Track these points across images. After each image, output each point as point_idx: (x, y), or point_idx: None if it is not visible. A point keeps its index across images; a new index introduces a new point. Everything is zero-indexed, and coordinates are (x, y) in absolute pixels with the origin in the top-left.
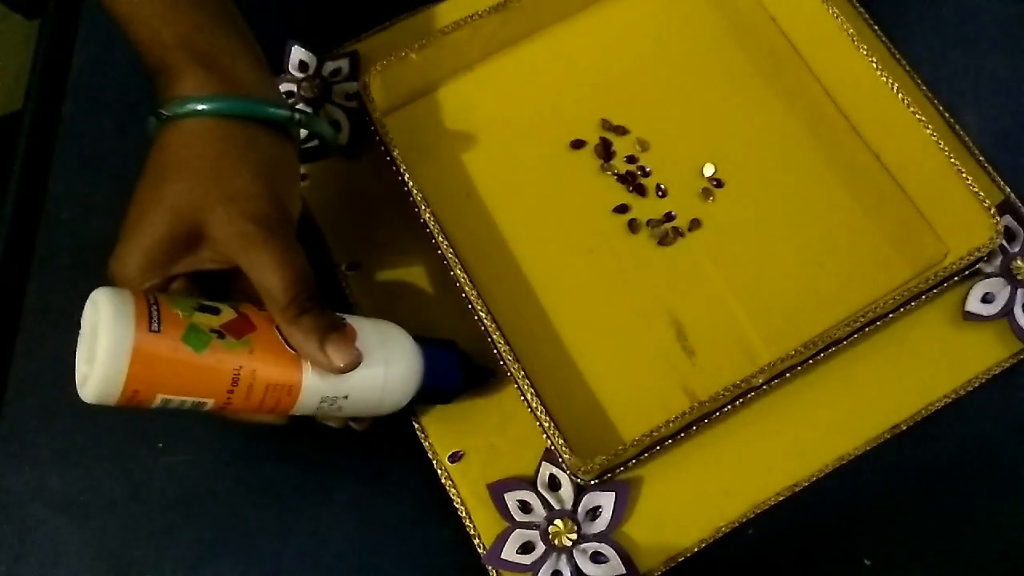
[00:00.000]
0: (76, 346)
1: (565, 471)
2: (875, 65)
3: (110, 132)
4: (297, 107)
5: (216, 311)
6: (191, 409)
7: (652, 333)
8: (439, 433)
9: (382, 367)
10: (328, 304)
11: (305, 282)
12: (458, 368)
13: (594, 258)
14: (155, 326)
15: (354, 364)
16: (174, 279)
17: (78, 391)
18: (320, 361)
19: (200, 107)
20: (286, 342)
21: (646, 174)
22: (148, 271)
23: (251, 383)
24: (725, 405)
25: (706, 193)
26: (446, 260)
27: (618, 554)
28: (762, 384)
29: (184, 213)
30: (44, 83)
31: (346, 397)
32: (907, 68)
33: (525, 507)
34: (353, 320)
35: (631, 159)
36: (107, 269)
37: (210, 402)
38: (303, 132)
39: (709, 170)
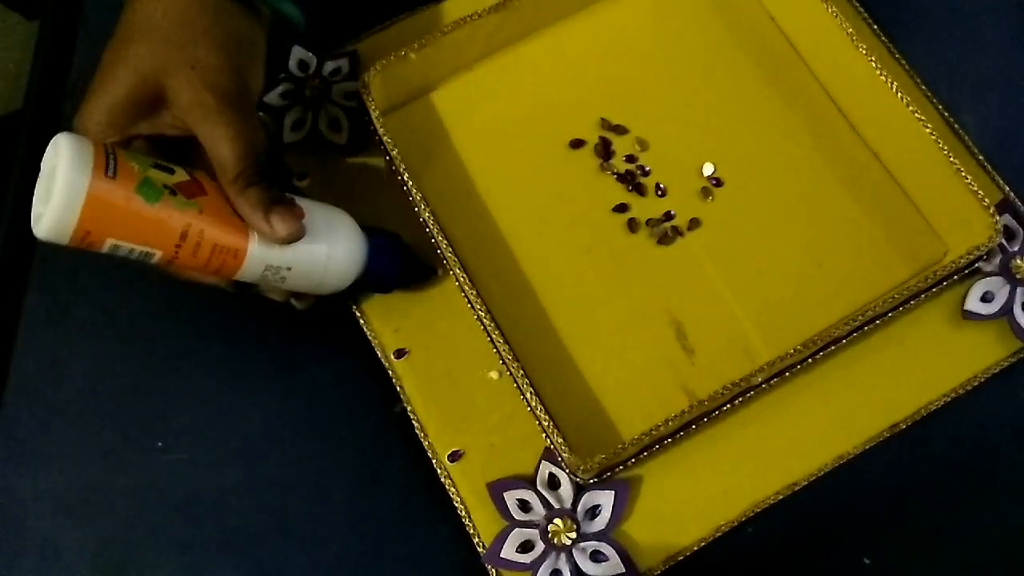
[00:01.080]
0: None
1: (564, 470)
2: (874, 64)
3: None
4: None
5: (171, 171)
6: (139, 259)
7: (651, 332)
8: (439, 432)
9: (325, 245)
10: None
11: (256, 156)
12: (400, 257)
13: (593, 257)
14: (111, 173)
15: (296, 236)
16: (135, 139)
17: (32, 228)
18: (264, 230)
19: None
20: (235, 211)
21: (645, 173)
22: (110, 127)
23: (199, 241)
24: (724, 404)
25: (705, 192)
26: (446, 259)
27: (617, 553)
28: (761, 383)
29: (147, 74)
30: (44, 83)
31: (289, 268)
32: (906, 67)
33: (524, 506)
34: (303, 202)
35: (630, 158)
36: (73, 123)
37: (158, 253)
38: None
39: (708, 169)
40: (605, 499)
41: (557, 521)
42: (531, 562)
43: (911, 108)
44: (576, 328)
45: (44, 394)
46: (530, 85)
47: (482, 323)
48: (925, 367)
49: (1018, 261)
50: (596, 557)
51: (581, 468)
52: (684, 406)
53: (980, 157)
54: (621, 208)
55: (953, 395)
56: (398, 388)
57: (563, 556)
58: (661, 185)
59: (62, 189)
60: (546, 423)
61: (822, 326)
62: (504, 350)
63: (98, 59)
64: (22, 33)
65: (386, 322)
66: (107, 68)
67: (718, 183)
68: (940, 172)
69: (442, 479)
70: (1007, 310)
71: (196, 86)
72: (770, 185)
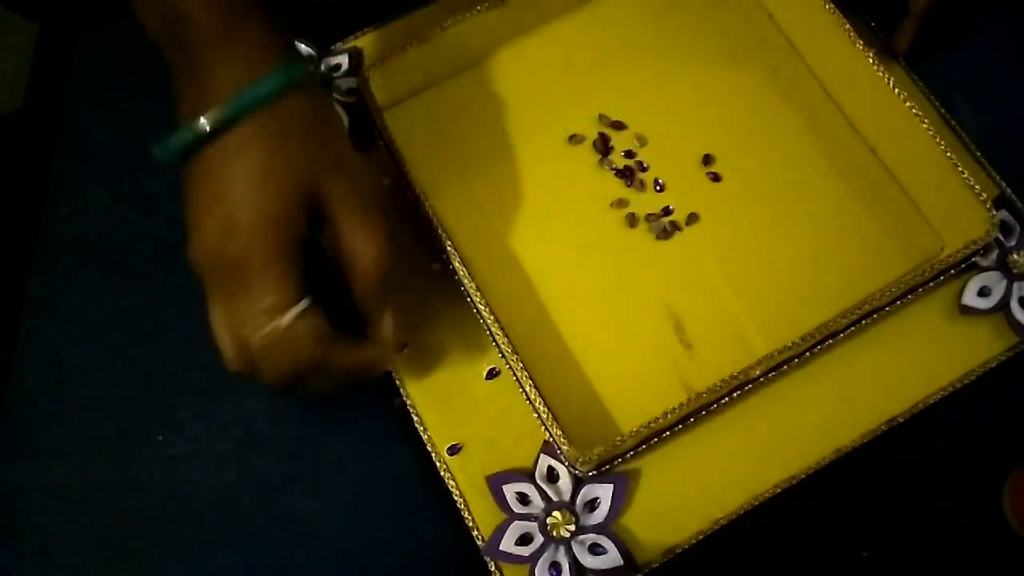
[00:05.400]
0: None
1: (563, 463)
2: (872, 60)
3: (110, 131)
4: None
5: None
6: None
7: (650, 326)
8: (438, 425)
9: None
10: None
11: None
12: None
13: (592, 252)
14: None
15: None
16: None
17: None
18: (387, 341)
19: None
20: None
21: (644, 169)
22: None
23: None
24: (723, 397)
25: (703, 188)
26: (445, 254)
27: (616, 546)
28: (759, 376)
29: (305, 179)
30: (44, 83)
31: None
32: (903, 63)
33: (523, 499)
34: None
35: (629, 154)
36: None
37: None
38: None
39: (707, 165)
40: (604, 492)
41: (556, 514)
42: (530, 555)
43: (908, 104)
44: (575, 322)
45: (44, 392)
46: (529, 80)
47: (481, 317)
48: (922, 361)
49: (1015, 256)
50: (595, 550)
51: (580, 461)
52: (682, 399)
53: (977, 153)
54: (620, 203)
55: (950, 389)
56: (397, 381)
57: (562, 549)
58: (660, 180)
59: None
60: (545, 416)
61: (820, 320)
62: (503, 344)
63: (98, 59)
64: (22, 33)
65: None
66: (265, 187)
67: (717, 178)
68: (937, 167)
69: (441, 472)
70: (1004, 305)
71: (344, 184)
72: (768, 181)
